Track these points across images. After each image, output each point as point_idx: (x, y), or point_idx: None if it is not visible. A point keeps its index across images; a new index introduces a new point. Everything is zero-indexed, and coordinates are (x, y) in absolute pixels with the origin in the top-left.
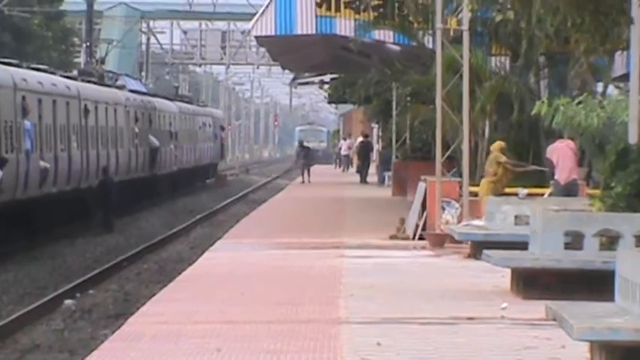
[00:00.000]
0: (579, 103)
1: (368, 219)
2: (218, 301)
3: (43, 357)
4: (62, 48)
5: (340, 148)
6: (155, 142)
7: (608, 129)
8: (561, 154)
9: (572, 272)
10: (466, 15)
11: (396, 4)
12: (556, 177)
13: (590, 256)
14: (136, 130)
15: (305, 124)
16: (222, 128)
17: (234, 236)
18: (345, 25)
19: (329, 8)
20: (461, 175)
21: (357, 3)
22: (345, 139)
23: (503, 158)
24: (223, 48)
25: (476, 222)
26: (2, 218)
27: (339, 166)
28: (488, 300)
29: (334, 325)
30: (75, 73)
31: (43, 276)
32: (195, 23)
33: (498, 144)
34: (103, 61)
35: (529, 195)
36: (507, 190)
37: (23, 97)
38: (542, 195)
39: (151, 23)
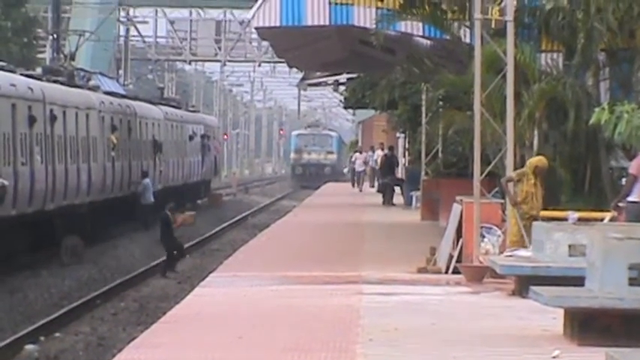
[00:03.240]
0: None
1: (391, 248)
2: (210, 348)
3: None
4: (24, 41)
5: (354, 163)
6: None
7: None
8: None
9: (638, 313)
10: (510, 3)
11: None
12: (635, 199)
13: None
14: (113, 140)
15: (305, 127)
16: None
17: (230, 268)
18: (364, 15)
19: None
20: (504, 197)
21: None
22: (360, 152)
23: (512, 175)
24: (218, 42)
25: (521, 252)
26: None
27: (356, 185)
28: (536, 346)
29: None
30: (39, 71)
31: (0, 315)
32: (185, 12)
33: (537, 160)
34: (72, 57)
35: (583, 220)
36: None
37: None
38: (601, 220)
39: (131, 11)
